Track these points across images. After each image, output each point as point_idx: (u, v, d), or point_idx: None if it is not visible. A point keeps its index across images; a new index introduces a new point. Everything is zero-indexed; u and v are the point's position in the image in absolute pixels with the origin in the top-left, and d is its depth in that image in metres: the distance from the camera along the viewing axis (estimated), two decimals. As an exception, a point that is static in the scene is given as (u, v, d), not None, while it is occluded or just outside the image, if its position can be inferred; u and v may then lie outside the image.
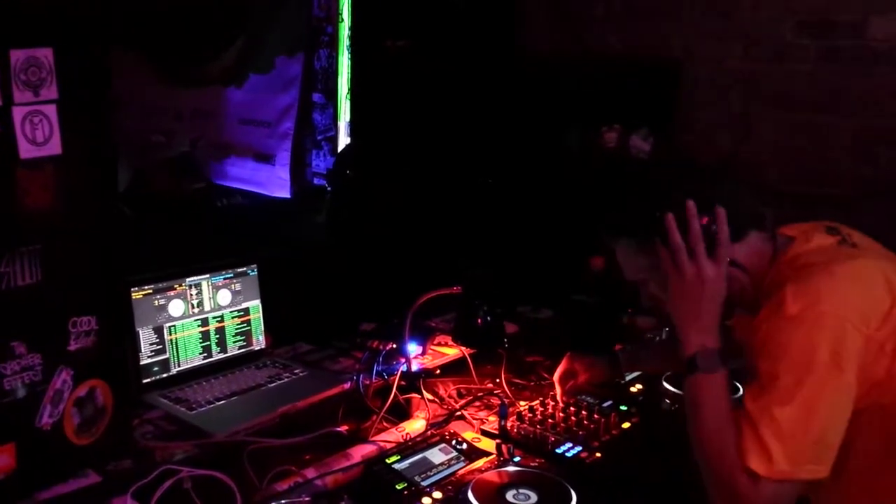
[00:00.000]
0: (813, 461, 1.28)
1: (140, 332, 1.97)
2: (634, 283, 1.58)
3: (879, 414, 1.32)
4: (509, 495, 1.56)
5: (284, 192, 4.36)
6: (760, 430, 1.29)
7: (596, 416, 1.91)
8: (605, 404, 1.99)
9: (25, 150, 1.43)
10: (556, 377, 2.04)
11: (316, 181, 4.35)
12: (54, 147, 1.47)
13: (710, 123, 2.97)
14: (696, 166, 1.57)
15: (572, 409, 1.94)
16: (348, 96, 4.12)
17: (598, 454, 1.75)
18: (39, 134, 1.45)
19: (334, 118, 4.29)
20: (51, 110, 1.46)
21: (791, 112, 2.87)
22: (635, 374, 2.15)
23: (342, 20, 4.21)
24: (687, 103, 3.04)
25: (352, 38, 3.94)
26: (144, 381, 1.97)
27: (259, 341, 2.22)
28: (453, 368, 2.21)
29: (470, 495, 1.54)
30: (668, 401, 2.04)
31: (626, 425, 1.89)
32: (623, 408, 1.98)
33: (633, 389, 2.11)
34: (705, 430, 1.37)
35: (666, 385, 2.08)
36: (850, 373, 1.28)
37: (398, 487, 1.59)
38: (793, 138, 2.88)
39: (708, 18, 3.00)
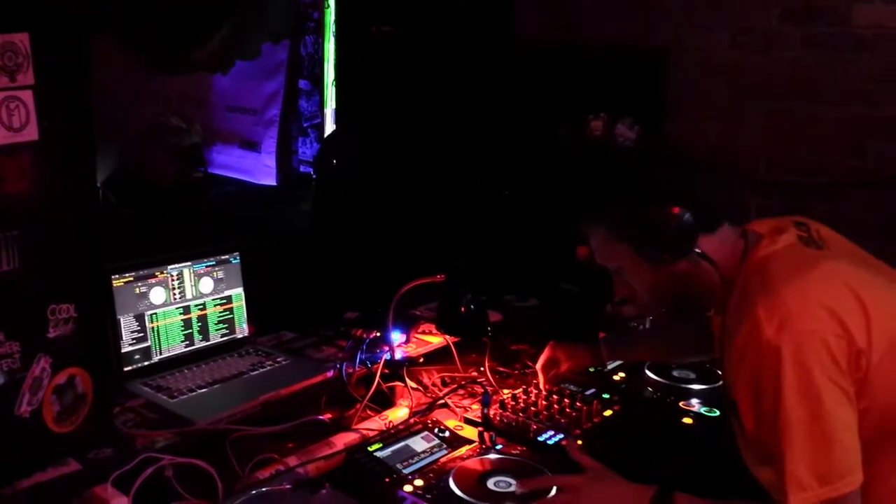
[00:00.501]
0: (844, 474, 1.29)
1: (121, 319, 1.96)
2: (607, 271, 1.58)
3: (869, 406, 1.33)
4: (490, 483, 1.56)
5: (270, 180, 4.35)
6: (786, 463, 1.29)
7: (578, 403, 1.91)
8: (588, 392, 2.00)
9: (2, 136, 1.41)
10: (538, 365, 2.05)
11: (302, 168, 4.34)
12: (31, 133, 1.45)
13: (697, 112, 2.97)
14: (675, 156, 1.57)
15: (555, 397, 1.95)
16: (334, 83, 4.10)
17: (580, 441, 1.75)
18: (16, 120, 1.43)
19: (320, 105, 4.27)
20: (27, 96, 1.44)
21: (778, 101, 2.88)
22: (618, 362, 2.16)
23: (328, 6, 4.19)
24: (674, 92, 3.04)
25: (338, 24, 3.92)
26: (126, 368, 1.96)
27: (242, 329, 2.21)
28: (438, 357, 2.21)
29: (451, 483, 1.55)
30: (650, 389, 2.05)
31: (607, 413, 1.90)
32: (606, 396, 1.99)
33: (615, 378, 2.11)
34: None
35: (648, 373, 2.09)
36: (845, 380, 1.30)
37: (380, 475, 1.59)
38: (779, 127, 2.89)
39: (695, 7, 2.99)
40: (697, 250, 1.44)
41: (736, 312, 1.41)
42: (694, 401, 1.96)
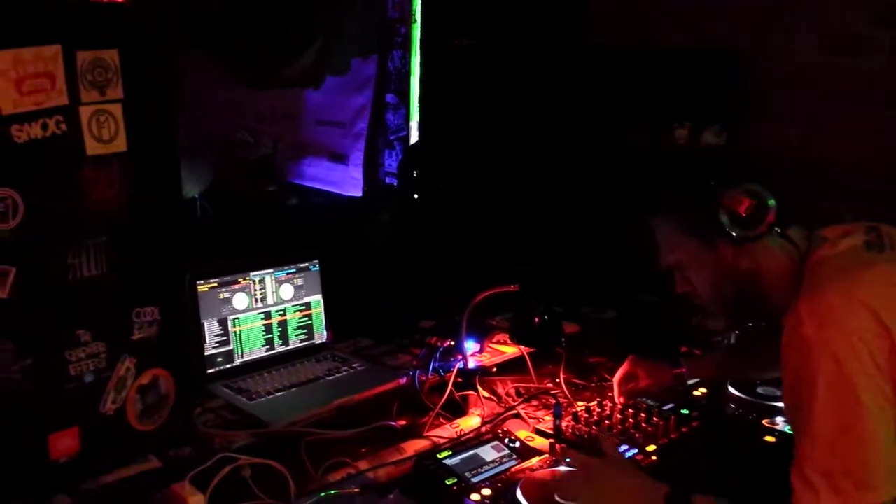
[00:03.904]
0: (867, 486, 1.23)
1: (205, 323, 2.04)
2: (668, 268, 1.57)
3: None
4: (558, 495, 1.54)
5: (357, 191, 4.42)
6: (803, 468, 1.28)
7: (655, 418, 1.86)
8: (666, 407, 1.94)
9: (91, 148, 1.49)
10: (615, 379, 2.00)
11: (388, 180, 4.40)
12: (120, 144, 1.53)
13: (781, 118, 2.86)
14: (755, 159, 1.55)
15: (630, 411, 1.90)
16: (420, 96, 4.14)
17: (654, 457, 1.71)
18: (105, 132, 1.51)
19: (406, 118, 4.33)
20: (116, 109, 1.52)
21: (866, 107, 2.74)
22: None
23: (415, 21, 4.24)
24: (758, 97, 2.94)
25: (423, 38, 3.97)
26: (208, 371, 2.03)
27: (321, 335, 2.26)
28: (513, 367, 2.20)
29: (518, 493, 1.53)
30: (732, 405, 1.97)
31: (685, 429, 1.84)
32: (684, 411, 1.92)
33: (696, 393, 2.05)
34: None
35: (731, 389, 2.01)
36: (884, 380, 1.25)
37: (448, 482, 1.59)
38: (867, 134, 2.75)
39: (781, 10, 2.89)
40: (777, 229, 1.43)
41: (790, 310, 1.38)
42: (778, 419, 1.88)
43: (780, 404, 1.92)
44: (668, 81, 2.92)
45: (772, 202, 1.42)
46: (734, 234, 1.43)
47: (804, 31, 2.82)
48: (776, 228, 1.43)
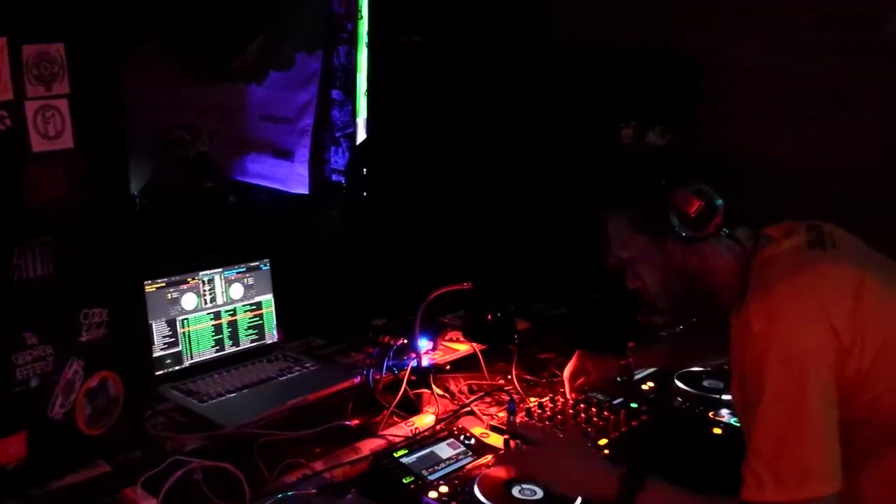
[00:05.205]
0: (810, 478, 1.27)
1: (153, 324, 1.99)
2: (618, 265, 1.60)
3: (870, 405, 1.33)
4: (515, 490, 1.56)
5: (303, 189, 4.38)
6: (751, 460, 1.31)
7: (605, 412, 1.90)
8: (616, 401, 1.98)
9: (37, 144, 1.45)
10: (565, 374, 2.04)
11: (334, 177, 4.37)
12: (66, 141, 1.49)
13: (728, 119, 2.94)
14: (707, 159, 1.59)
15: (582, 405, 1.94)
16: (367, 93, 4.13)
17: (606, 451, 1.74)
18: (51, 128, 1.47)
19: (353, 115, 4.30)
20: (63, 105, 1.48)
21: (811, 107, 2.84)
22: (647, 371, 2.14)
23: (361, 17, 4.22)
24: (705, 99, 3.01)
25: (370, 34, 3.95)
26: (157, 373, 1.99)
27: (271, 335, 2.24)
28: (465, 364, 2.21)
29: (476, 490, 1.55)
30: (679, 399, 2.02)
31: (634, 422, 1.88)
32: (633, 405, 1.97)
33: (644, 387, 2.09)
34: None
35: (677, 383, 2.06)
36: (831, 377, 1.30)
37: (405, 481, 1.59)
38: (812, 134, 2.84)
39: (728, 14, 2.97)
40: (725, 230, 1.46)
41: (737, 310, 1.43)
42: (724, 411, 1.93)
43: (726, 397, 1.98)
44: (615, 82, 2.97)
45: (720, 203, 1.46)
46: (683, 234, 1.46)
47: (749, 33, 2.90)
48: (724, 229, 1.47)
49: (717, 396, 1.99)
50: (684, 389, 2.04)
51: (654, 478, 1.40)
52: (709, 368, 2.12)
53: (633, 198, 1.53)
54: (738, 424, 1.86)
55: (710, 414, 1.93)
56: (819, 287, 1.36)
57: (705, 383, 2.06)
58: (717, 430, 1.86)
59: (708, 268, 1.49)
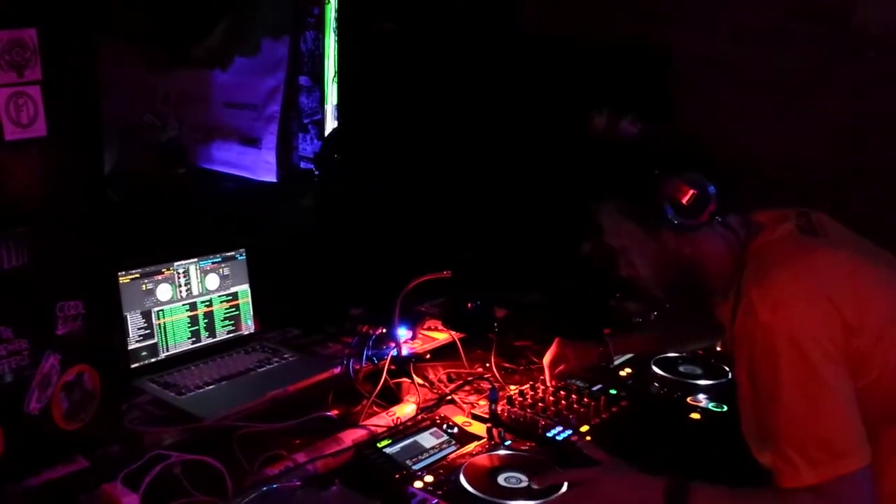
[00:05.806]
0: (841, 455, 1.30)
1: (128, 316, 1.96)
2: (612, 251, 1.60)
3: (872, 385, 1.35)
4: (501, 478, 1.56)
5: (271, 176, 4.33)
6: (781, 448, 1.32)
7: (586, 399, 1.91)
8: (595, 388, 1.99)
9: (10, 132, 1.40)
10: (545, 362, 2.05)
11: (303, 165, 4.32)
12: (39, 129, 1.45)
13: (699, 109, 2.96)
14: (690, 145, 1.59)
15: (562, 392, 1.95)
16: (335, 79, 4.08)
17: (588, 437, 1.75)
18: (24, 115, 1.42)
19: (321, 101, 4.26)
20: (35, 91, 1.43)
21: (781, 98, 2.87)
22: (625, 357, 2.16)
23: (328, 2, 4.17)
24: (677, 89, 3.03)
25: (338, 19, 3.91)
26: (133, 365, 1.96)
27: (248, 326, 2.21)
28: (443, 353, 2.21)
29: (462, 479, 1.55)
30: (656, 384, 2.05)
31: (614, 409, 1.90)
32: (612, 392, 1.98)
33: (622, 374, 2.11)
34: None
35: (655, 369, 2.09)
36: (840, 356, 1.32)
37: (389, 471, 1.59)
38: (784, 125, 2.88)
39: (695, 2, 2.98)
40: (718, 218, 1.47)
41: (734, 296, 1.44)
42: (701, 396, 1.96)
43: (702, 382, 2.02)
44: (587, 72, 2.97)
45: (713, 191, 1.46)
46: (676, 223, 1.47)
47: (719, 24, 2.92)
48: (717, 217, 1.48)
49: (693, 382, 2.02)
50: (661, 375, 2.06)
51: (695, 481, 1.40)
52: (685, 354, 2.15)
53: (626, 187, 1.53)
54: (715, 409, 1.90)
55: (688, 399, 1.96)
56: (818, 270, 1.38)
57: (682, 369, 2.09)
58: (695, 416, 1.89)
59: (701, 255, 1.50)
